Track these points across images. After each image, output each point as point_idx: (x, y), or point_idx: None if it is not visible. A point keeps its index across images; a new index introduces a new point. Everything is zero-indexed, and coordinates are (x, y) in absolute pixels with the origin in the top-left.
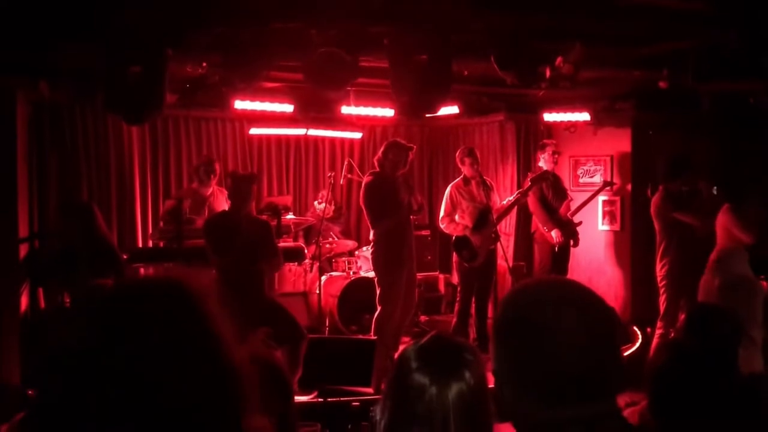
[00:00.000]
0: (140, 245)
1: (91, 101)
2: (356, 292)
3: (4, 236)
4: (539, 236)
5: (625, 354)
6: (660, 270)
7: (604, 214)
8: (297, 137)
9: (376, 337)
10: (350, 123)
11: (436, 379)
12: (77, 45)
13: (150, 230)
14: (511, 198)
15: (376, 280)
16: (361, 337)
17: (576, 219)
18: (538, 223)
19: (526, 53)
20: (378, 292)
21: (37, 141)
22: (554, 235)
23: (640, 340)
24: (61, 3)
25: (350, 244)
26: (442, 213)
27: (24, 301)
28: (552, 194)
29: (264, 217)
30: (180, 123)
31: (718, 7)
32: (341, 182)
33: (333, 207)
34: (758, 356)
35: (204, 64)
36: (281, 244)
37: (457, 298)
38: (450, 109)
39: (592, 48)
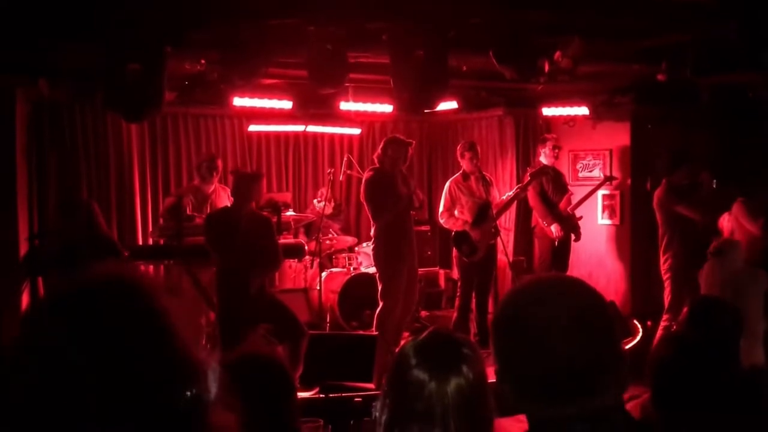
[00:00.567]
0: (140, 243)
1: (90, 100)
2: (357, 288)
3: (4, 234)
4: (539, 231)
5: (626, 348)
6: (663, 263)
7: (604, 208)
8: (296, 134)
9: (377, 333)
10: (349, 119)
11: (435, 375)
12: (76, 43)
13: (150, 228)
14: (510, 193)
15: (377, 275)
16: (362, 332)
17: (576, 213)
18: (537, 218)
19: (525, 48)
20: (379, 287)
21: (36, 139)
22: (554, 229)
23: (640, 334)
24: (61, 2)
25: (350, 240)
26: (441, 208)
27: (25, 299)
28: (552, 189)
29: (265, 213)
30: (179, 120)
31: None
32: (341, 178)
33: (332, 205)
34: (759, 348)
35: (203, 62)
36: (281, 241)
37: (458, 293)
38: (449, 104)
39: (591, 42)
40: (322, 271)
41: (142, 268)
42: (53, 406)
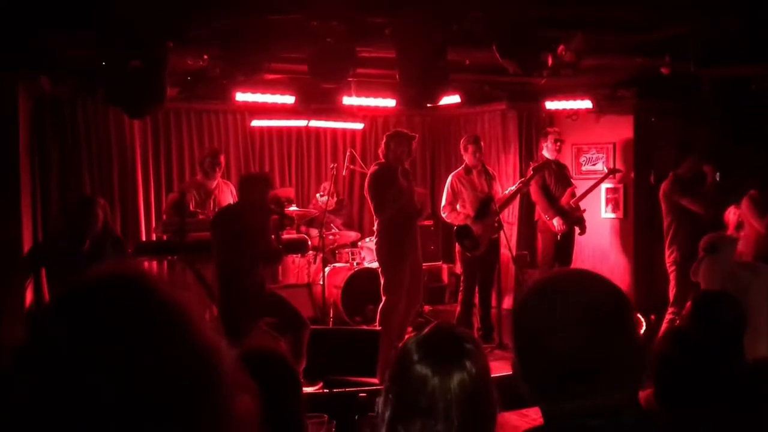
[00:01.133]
0: (144, 238)
1: (92, 95)
2: (360, 283)
3: (8, 230)
4: (542, 225)
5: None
6: (669, 256)
7: (608, 201)
8: (298, 129)
9: (380, 328)
10: (351, 114)
11: (437, 370)
12: (78, 39)
13: (153, 224)
14: (513, 187)
15: (379, 270)
16: (365, 327)
17: (580, 207)
18: (540, 212)
19: (528, 42)
20: (382, 282)
21: (38, 135)
22: (556, 223)
23: (644, 328)
24: None
25: (353, 235)
26: (443, 202)
27: (29, 295)
28: (554, 182)
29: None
30: (181, 116)
31: None
32: (344, 173)
33: (335, 200)
34: (763, 342)
35: (205, 57)
36: (284, 236)
37: (461, 288)
38: (451, 99)
39: (594, 35)
40: (325, 266)
41: (146, 264)
42: (62, 407)
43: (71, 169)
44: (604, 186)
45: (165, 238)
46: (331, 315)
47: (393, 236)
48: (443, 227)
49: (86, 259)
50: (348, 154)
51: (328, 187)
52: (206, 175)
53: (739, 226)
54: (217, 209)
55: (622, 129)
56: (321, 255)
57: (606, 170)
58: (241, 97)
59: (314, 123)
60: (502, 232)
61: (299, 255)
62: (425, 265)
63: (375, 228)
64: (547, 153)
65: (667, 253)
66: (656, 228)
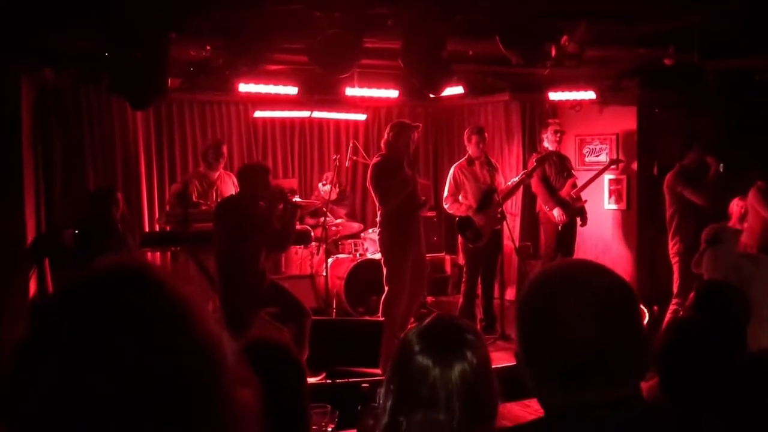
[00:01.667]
0: (147, 229)
1: (95, 86)
2: (363, 274)
3: (12, 221)
4: (543, 216)
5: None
6: (672, 247)
7: (611, 193)
8: (301, 120)
9: (383, 319)
10: (354, 105)
11: (438, 361)
12: (81, 29)
13: (156, 214)
14: (515, 179)
15: (382, 260)
16: (368, 318)
17: (582, 197)
18: (540, 203)
19: (532, 32)
20: (385, 272)
21: (42, 126)
22: (556, 214)
23: (647, 319)
24: None
25: (356, 226)
26: (445, 193)
27: (33, 286)
28: (554, 174)
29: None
30: (184, 107)
31: None
32: (346, 164)
33: (337, 189)
34: (766, 332)
35: (208, 48)
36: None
37: (464, 279)
38: (455, 90)
39: (597, 26)
40: (328, 257)
41: (149, 255)
42: (63, 400)
43: (74, 160)
44: (607, 177)
45: (168, 228)
46: (334, 306)
47: (396, 227)
48: (446, 218)
49: (101, 249)
50: (351, 145)
51: (331, 176)
52: (209, 166)
53: (743, 217)
54: (219, 200)
55: (625, 120)
56: (324, 246)
57: (608, 161)
58: (244, 88)
59: (317, 114)
60: (504, 224)
61: (302, 246)
62: (428, 256)
63: (378, 219)
64: (547, 144)
65: (670, 244)
66: (659, 219)
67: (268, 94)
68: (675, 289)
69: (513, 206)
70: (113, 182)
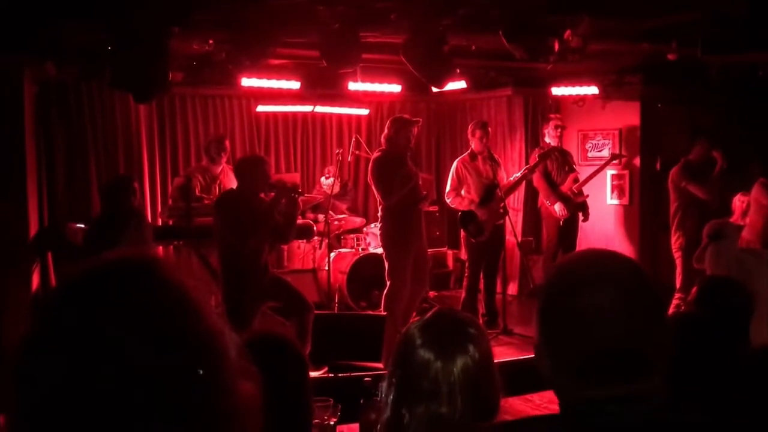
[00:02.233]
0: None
1: (97, 79)
2: (365, 269)
3: (14, 214)
4: (545, 211)
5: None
6: (675, 241)
7: (613, 188)
8: (304, 114)
9: (386, 313)
10: (357, 99)
11: (440, 354)
12: (83, 23)
13: (159, 208)
14: (518, 174)
15: (384, 255)
16: (370, 312)
17: (584, 192)
18: (542, 198)
19: (535, 27)
20: (387, 267)
21: (44, 120)
22: (557, 208)
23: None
24: None
25: (358, 220)
26: (448, 188)
27: (35, 280)
28: (556, 169)
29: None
30: (187, 101)
31: None
32: (349, 159)
33: (339, 184)
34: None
35: (210, 42)
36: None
37: (466, 274)
38: (457, 84)
39: (601, 20)
40: (330, 251)
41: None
42: (66, 392)
43: (77, 154)
44: (609, 172)
45: (171, 222)
46: (336, 300)
47: (397, 221)
48: (448, 213)
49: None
50: (353, 139)
51: (334, 170)
52: (212, 160)
53: (745, 213)
54: (219, 194)
55: (628, 115)
56: (326, 240)
57: (610, 156)
58: (246, 82)
59: (320, 108)
60: (507, 219)
61: (305, 240)
62: (430, 250)
63: (379, 214)
64: (548, 139)
65: (673, 239)
66: (661, 215)
67: (271, 89)
68: (678, 284)
69: (515, 201)
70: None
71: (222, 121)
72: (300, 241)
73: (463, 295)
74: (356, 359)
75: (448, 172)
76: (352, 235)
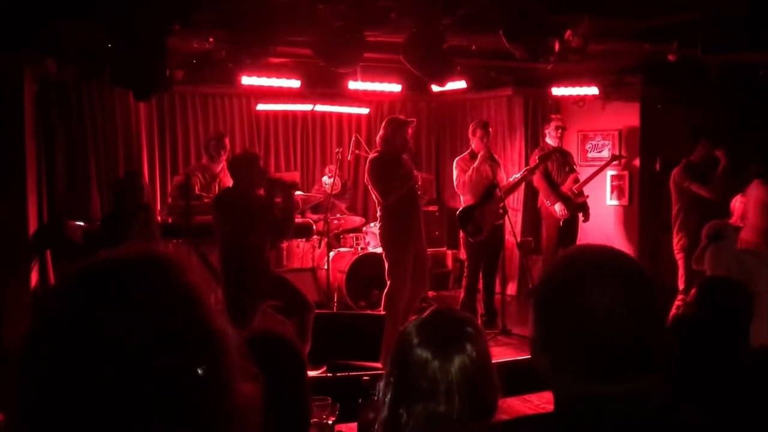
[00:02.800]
0: None
1: (97, 78)
2: (364, 268)
3: (14, 212)
4: (545, 211)
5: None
6: (677, 243)
7: (613, 188)
8: (304, 113)
9: (385, 312)
10: (357, 99)
11: (438, 353)
12: (83, 22)
13: (158, 206)
14: (518, 175)
15: (383, 254)
16: (369, 312)
17: (584, 192)
18: (542, 198)
19: (536, 26)
20: (386, 266)
21: (44, 119)
22: (557, 209)
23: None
24: None
25: (358, 220)
26: (456, 182)
27: (34, 277)
28: (556, 169)
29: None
30: (187, 99)
31: None
32: (349, 158)
33: (339, 183)
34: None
35: (211, 40)
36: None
37: (465, 274)
38: (457, 84)
39: (601, 20)
40: (329, 250)
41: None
42: (65, 387)
43: (77, 153)
44: (609, 173)
45: (170, 221)
46: (336, 300)
47: (396, 221)
48: (448, 213)
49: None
50: (353, 139)
51: (334, 169)
52: (211, 158)
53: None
54: (217, 193)
55: (628, 116)
56: (326, 239)
57: (610, 156)
58: (246, 80)
59: (320, 107)
60: (506, 218)
61: (304, 239)
62: (430, 250)
63: (378, 213)
64: (549, 140)
65: (675, 240)
66: (661, 215)
67: (271, 87)
68: (680, 285)
69: (515, 201)
70: (115, 174)
71: (222, 119)
72: (299, 240)
73: (462, 295)
74: (355, 359)
75: (448, 172)
76: (351, 235)
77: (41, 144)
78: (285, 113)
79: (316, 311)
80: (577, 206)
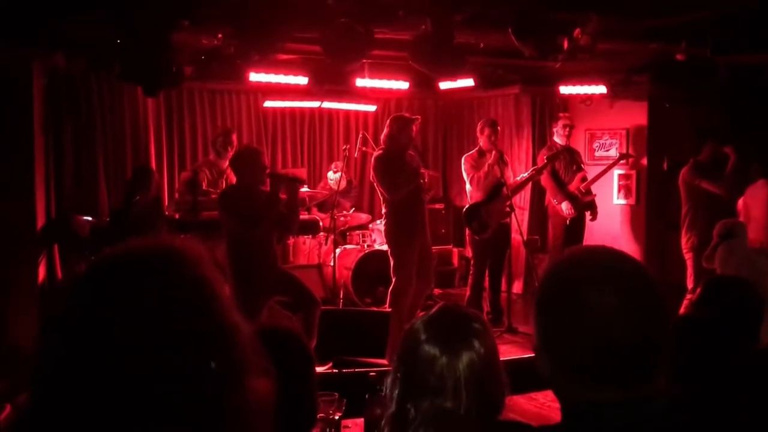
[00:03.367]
0: None
1: (106, 72)
2: (370, 265)
3: (22, 206)
4: (552, 210)
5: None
6: (686, 242)
7: (620, 188)
8: (311, 110)
9: (391, 309)
10: (364, 96)
11: (446, 349)
12: (91, 16)
13: (166, 202)
14: (525, 174)
15: (389, 251)
16: (375, 309)
17: (591, 191)
18: (549, 197)
19: (544, 25)
20: (392, 263)
21: (53, 113)
22: (564, 207)
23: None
24: None
25: (364, 217)
26: (467, 178)
27: (42, 272)
28: (564, 168)
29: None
30: (195, 95)
31: None
32: (355, 155)
33: (345, 181)
34: None
35: (219, 36)
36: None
37: (471, 272)
38: (465, 82)
39: (609, 19)
40: (336, 247)
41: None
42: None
43: (85, 146)
44: (616, 172)
45: (177, 216)
46: (341, 296)
47: (401, 218)
48: (454, 211)
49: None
50: (360, 136)
51: (340, 166)
52: (218, 154)
53: (749, 214)
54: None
55: (636, 115)
56: (332, 236)
57: (618, 155)
58: (254, 77)
59: (327, 104)
60: (513, 217)
61: (310, 236)
62: (436, 248)
63: (383, 211)
64: (557, 138)
65: (684, 239)
66: (669, 215)
67: (279, 84)
68: (690, 285)
69: (521, 200)
70: (123, 169)
71: (229, 115)
72: (306, 236)
73: (468, 293)
74: (361, 355)
75: (455, 169)
76: (357, 232)
77: (50, 138)
78: (292, 110)
79: (322, 308)
80: (584, 205)
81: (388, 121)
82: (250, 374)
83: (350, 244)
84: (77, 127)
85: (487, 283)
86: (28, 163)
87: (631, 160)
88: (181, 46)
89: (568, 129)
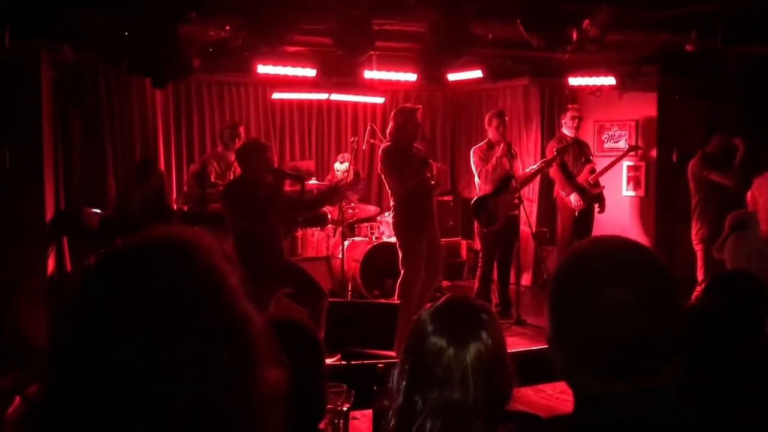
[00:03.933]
0: None
1: (114, 64)
2: (379, 257)
3: (31, 198)
4: (560, 202)
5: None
6: (696, 233)
7: (629, 179)
8: (319, 102)
9: (399, 301)
10: (373, 88)
11: (453, 341)
12: (100, 7)
13: (174, 194)
14: (534, 166)
15: (397, 243)
16: (383, 301)
17: (600, 183)
18: (558, 189)
19: (553, 16)
20: (400, 255)
21: (61, 105)
22: (573, 199)
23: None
24: None
25: (372, 209)
26: (477, 171)
27: (51, 264)
28: (572, 159)
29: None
30: (203, 87)
31: None
32: (363, 147)
33: (352, 173)
34: None
35: (227, 28)
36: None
37: (479, 264)
38: (473, 73)
39: (618, 9)
40: (344, 239)
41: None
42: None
43: (93, 139)
44: (625, 164)
45: (186, 209)
46: (350, 288)
47: (409, 210)
48: (462, 203)
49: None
50: (368, 128)
51: (348, 157)
52: (226, 146)
53: (756, 206)
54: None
55: (645, 106)
56: (340, 228)
57: (627, 147)
58: (262, 69)
59: (335, 96)
60: (521, 209)
61: (318, 228)
62: (444, 240)
63: (392, 203)
64: (566, 130)
65: (693, 230)
66: (678, 206)
67: (287, 76)
68: (700, 276)
69: (530, 192)
70: (131, 161)
71: (237, 108)
72: (314, 229)
73: (477, 285)
74: (369, 347)
75: (463, 162)
76: (365, 224)
77: (58, 130)
78: (300, 102)
79: (330, 300)
80: (593, 197)
81: (392, 115)
82: (262, 364)
83: (358, 236)
84: (85, 119)
85: (495, 275)
86: (37, 155)
87: (640, 151)
88: (189, 38)
89: (576, 120)
